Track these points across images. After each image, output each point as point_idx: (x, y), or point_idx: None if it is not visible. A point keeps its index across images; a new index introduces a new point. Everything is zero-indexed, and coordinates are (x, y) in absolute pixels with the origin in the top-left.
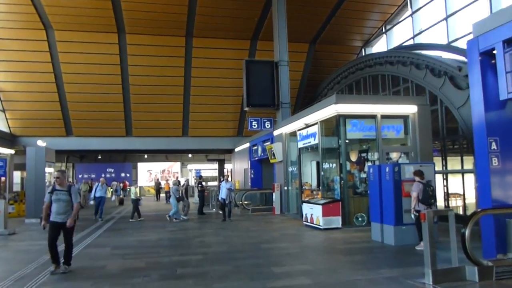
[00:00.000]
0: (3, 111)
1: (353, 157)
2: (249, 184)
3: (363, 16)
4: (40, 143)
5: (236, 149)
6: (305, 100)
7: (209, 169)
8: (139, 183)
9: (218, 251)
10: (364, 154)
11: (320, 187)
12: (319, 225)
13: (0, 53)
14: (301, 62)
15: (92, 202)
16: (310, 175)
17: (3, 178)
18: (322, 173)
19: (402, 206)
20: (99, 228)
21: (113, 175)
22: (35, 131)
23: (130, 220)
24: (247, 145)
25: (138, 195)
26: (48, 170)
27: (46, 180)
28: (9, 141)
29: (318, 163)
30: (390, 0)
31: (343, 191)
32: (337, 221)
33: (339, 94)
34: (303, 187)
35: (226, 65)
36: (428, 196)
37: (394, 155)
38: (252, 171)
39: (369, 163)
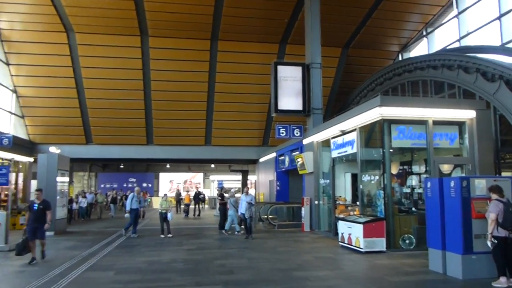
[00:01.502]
0: (22, 117)
1: (393, 169)
2: (275, 197)
3: (401, 18)
4: (53, 149)
5: (261, 159)
6: (336, 109)
7: (232, 180)
8: (161, 193)
9: (242, 279)
10: (405, 166)
11: (357, 203)
12: (359, 247)
13: (20, 56)
14: (332, 67)
15: (127, 215)
16: (344, 188)
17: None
18: (360, 186)
19: (472, 230)
20: (110, 244)
21: (134, 185)
22: (54, 138)
23: (161, 236)
24: (273, 155)
25: (167, 207)
26: (61, 179)
27: (58, 190)
28: (28, 149)
29: (353, 176)
30: (432, 0)
31: (387, 208)
32: (381, 243)
33: (383, 95)
34: (337, 202)
35: (253, 70)
36: (510, 218)
37: (445, 168)
38: (278, 183)
39: (413, 177)
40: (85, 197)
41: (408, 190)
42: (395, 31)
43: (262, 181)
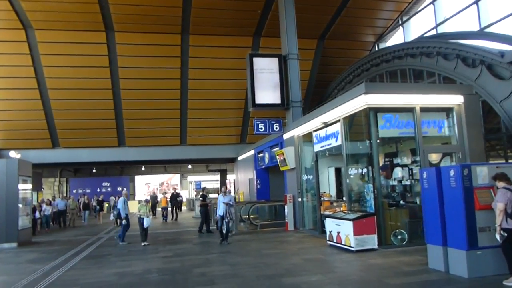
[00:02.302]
0: None
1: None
2: (255, 195)
3: (376, 7)
4: (13, 154)
5: (240, 158)
6: (314, 103)
7: (210, 181)
8: (137, 197)
9: None
10: (390, 158)
11: (343, 198)
12: (349, 246)
13: None
14: (308, 60)
15: (125, 222)
16: (327, 184)
17: None
18: (347, 180)
19: (476, 223)
20: (78, 254)
21: (109, 189)
22: (18, 143)
23: (143, 244)
24: (252, 152)
25: (145, 212)
26: (23, 186)
27: (20, 197)
28: None
29: (337, 170)
30: None
31: (377, 203)
32: (372, 241)
33: (368, 82)
34: (321, 198)
35: (227, 65)
36: None
37: (433, 157)
38: (258, 181)
39: (399, 168)
40: (50, 204)
41: (395, 183)
42: (370, 21)
43: (241, 180)
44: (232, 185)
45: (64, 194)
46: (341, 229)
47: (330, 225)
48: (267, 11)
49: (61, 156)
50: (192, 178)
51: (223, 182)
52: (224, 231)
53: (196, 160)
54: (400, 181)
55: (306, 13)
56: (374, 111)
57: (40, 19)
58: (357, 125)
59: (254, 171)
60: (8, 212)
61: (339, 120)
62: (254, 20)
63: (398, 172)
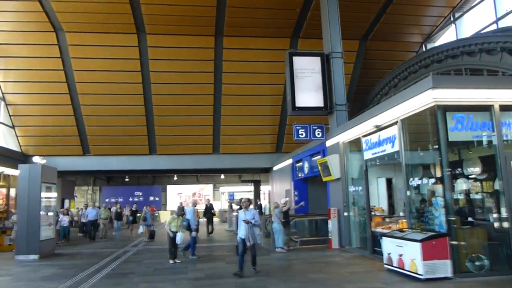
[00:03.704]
0: (13, 127)
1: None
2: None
3: (425, 3)
4: (37, 159)
5: (275, 167)
6: (354, 109)
7: (244, 192)
8: (169, 208)
9: None
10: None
11: (400, 213)
12: (416, 273)
13: (7, 60)
14: (350, 63)
15: (194, 234)
16: (376, 196)
17: None
18: (408, 193)
19: None
20: (99, 271)
21: (141, 199)
22: (48, 149)
23: (170, 261)
24: (289, 161)
25: (176, 226)
26: (47, 194)
27: (43, 206)
28: (20, 161)
29: (389, 181)
30: None
31: (448, 220)
32: (444, 267)
33: (436, 75)
34: (372, 213)
35: (263, 69)
36: None
37: None
38: (295, 193)
39: (463, 180)
40: (67, 214)
41: (461, 197)
42: (418, 19)
43: (277, 192)
44: (266, 197)
45: (96, 203)
46: (404, 251)
47: (389, 245)
48: (306, 9)
49: (92, 164)
50: (224, 189)
51: (257, 193)
52: (252, 256)
53: (229, 170)
54: (468, 195)
55: (348, 11)
56: (442, 110)
57: (70, 21)
58: (420, 127)
59: (292, 182)
60: (29, 222)
61: (396, 122)
62: (292, 19)
63: (462, 184)
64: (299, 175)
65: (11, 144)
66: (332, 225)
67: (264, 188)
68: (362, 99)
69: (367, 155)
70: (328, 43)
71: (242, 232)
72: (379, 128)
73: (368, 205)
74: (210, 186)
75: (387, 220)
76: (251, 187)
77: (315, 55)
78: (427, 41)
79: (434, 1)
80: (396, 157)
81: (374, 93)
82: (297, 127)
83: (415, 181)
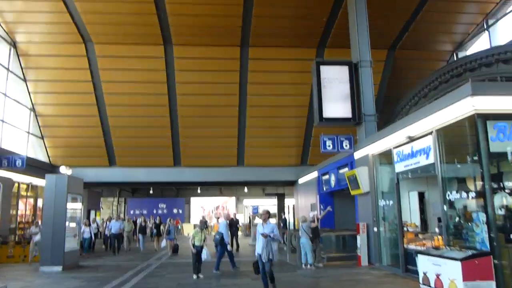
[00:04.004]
0: (42, 138)
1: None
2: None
3: (456, 10)
4: (64, 170)
5: (300, 180)
6: (382, 120)
7: (268, 205)
8: (192, 220)
9: None
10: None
11: (439, 230)
12: None
13: (37, 72)
14: (377, 72)
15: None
16: (408, 211)
17: None
18: (445, 208)
19: None
20: (122, 284)
21: (165, 211)
22: (76, 160)
23: (194, 277)
24: (315, 174)
25: (200, 240)
26: (73, 205)
27: (69, 216)
28: (48, 172)
29: (421, 195)
30: None
31: (492, 238)
32: None
33: (476, 82)
34: (405, 228)
35: (288, 79)
36: None
37: None
38: (321, 207)
39: (502, 194)
40: (89, 225)
41: (501, 212)
42: (449, 27)
43: (302, 205)
44: (290, 211)
45: (121, 215)
46: (442, 270)
47: (425, 264)
48: (332, 19)
49: (117, 175)
50: (248, 202)
51: (281, 207)
52: (268, 275)
53: (253, 183)
54: (510, 211)
55: (376, 19)
56: (482, 119)
57: (99, 33)
58: (458, 138)
59: (317, 195)
60: (54, 233)
61: (431, 133)
62: (319, 29)
63: (503, 199)
64: (325, 188)
65: (40, 154)
66: (361, 241)
67: (289, 202)
68: (390, 110)
69: (399, 167)
70: (356, 52)
71: (259, 246)
72: (412, 139)
73: (400, 220)
74: (233, 199)
75: (420, 236)
76: (274, 201)
77: (343, 64)
78: (459, 49)
79: (466, 8)
80: (430, 170)
81: (403, 103)
82: (324, 139)
83: (452, 195)
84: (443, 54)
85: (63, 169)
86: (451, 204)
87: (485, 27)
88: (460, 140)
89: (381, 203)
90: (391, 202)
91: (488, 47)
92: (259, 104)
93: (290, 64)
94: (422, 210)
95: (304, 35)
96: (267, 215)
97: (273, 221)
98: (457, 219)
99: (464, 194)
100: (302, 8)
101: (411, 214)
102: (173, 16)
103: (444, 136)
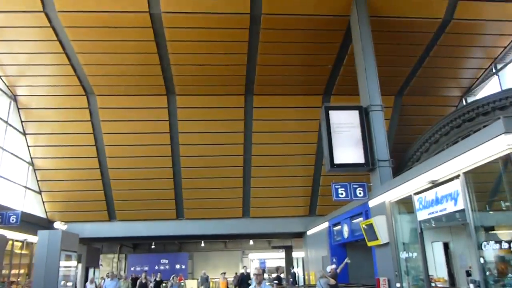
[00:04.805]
0: (40, 193)
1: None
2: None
3: (463, 54)
4: (58, 225)
5: (309, 232)
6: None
7: (274, 258)
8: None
9: None
10: None
11: (473, 285)
12: None
13: (38, 125)
14: (386, 119)
15: None
16: (433, 264)
17: None
18: (481, 260)
19: None
20: None
21: (167, 266)
22: (74, 215)
23: None
24: (325, 225)
25: None
26: (66, 263)
27: (61, 275)
28: (45, 228)
29: (445, 245)
30: (502, 28)
31: None
32: None
33: (508, 117)
34: (433, 284)
35: (294, 127)
36: None
37: None
38: (334, 260)
39: None
40: (93, 282)
41: None
42: (456, 72)
43: (312, 258)
44: (299, 264)
45: (122, 272)
46: None
47: None
48: (338, 65)
49: (118, 230)
50: (254, 256)
51: (288, 261)
52: None
53: (259, 235)
54: None
55: (382, 65)
56: None
57: (101, 84)
58: (489, 180)
59: (328, 247)
60: None
61: (458, 176)
62: (324, 76)
63: None
64: (337, 239)
65: (37, 210)
66: None
67: (297, 255)
68: (399, 157)
69: (422, 215)
70: (366, 96)
71: None
72: (435, 184)
73: (426, 275)
74: (239, 253)
75: None
76: (281, 254)
77: (353, 109)
78: (467, 94)
79: (473, 53)
80: (457, 217)
81: (413, 150)
82: (336, 186)
83: (490, 245)
84: (452, 99)
85: (57, 225)
86: (488, 255)
87: (493, 71)
88: (489, 184)
89: (403, 255)
90: (414, 254)
91: (499, 90)
92: (264, 153)
93: (295, 112)
94: (447, 263)
95: (310, 83)
96: (261, 276)
97: (273, 278)
98: (495, 272)
99: (505, 245)
100: (306, 55)
101: (436, 267)
102: (176, 66)
103: (473, 179)
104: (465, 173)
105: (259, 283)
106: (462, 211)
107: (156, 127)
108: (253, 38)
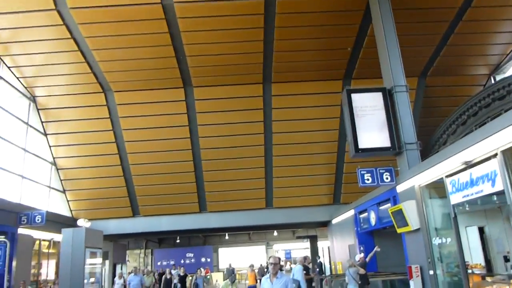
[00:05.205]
0: (64, 191)
1: None
2: None
3: (490, 29)
4: (82, 222)
5: (334, 221)
6: None
7: (300, 249)
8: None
9: None
10: None
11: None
12: None
13: (58, 124)
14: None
15: None
16: (468, 250)
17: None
18: None
19: None
20: None
21: (192, 260)
22: (99, 212)
23: None
24: (351, 212)
25: None
26: (92, 260)
27: (87, 272)
28: (71, 227)
29: (480, 230)
30: None
31: None
32: None
33: None
34: (469, 271)
35: (314, 114)
36: None
37: None
38: (361, 248)
39: None
40: (121, 277)
41: None
42: (484, 48)
43: (338, 247)
44: (326, 254)
45: (149, 267)
46: None
47: None
48: (358, 48)
49: (142, 225)
50: (278, 246)
51: (314, 251)
52: None
53: (283, 225)
54: None
55: (404, 47)
56: None
57: (118, 80)
58: None
59: (355, 236)
60: None
61: (495, 155)
62: (344, 60)
63: None
64: (364, 227)
65: (63, 209)
66: (415, 286)
67: (322, 244)
68: (424, 141)
69: (455, 198)
70: (389, 77)
71: None
72: (470, 165)
73: (463, 261)
74: (263, 244)
75: (488, 279)
76: (306, 244)
77: (376, 91)
78: (496, 72)
79: (501, 27)
80: (495, 200)
81: (439, 133)
82: (362, 172)
83: None
84: (479, 78)
85: (80, 222)
86: None
87: None
88: None
89: (436, 241)
90: (447, 239)
91: None
92: (285, 142)
93: (315, 99)
94: (483, 248)
95: (329, 67)
96: (277, 266)
97: (290, 270)
98: None
99: None
100: (324, 39)
101: (472, 253)
102: (191, 57)
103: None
104: (503, 151)
105: (275, 273)
106: (501, 192)
107: (175, 120)
108: (268, 24)
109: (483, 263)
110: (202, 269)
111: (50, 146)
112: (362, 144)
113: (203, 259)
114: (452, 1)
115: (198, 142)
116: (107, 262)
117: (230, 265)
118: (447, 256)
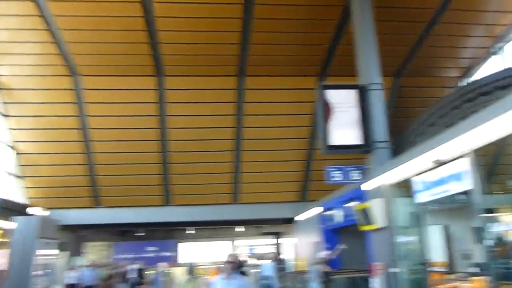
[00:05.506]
0: (22, 177)
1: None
2: None
3: (463, 33)
4: (36, 211)
5: (300, 218)
6: None
7: (265, 245)
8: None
9: None
10: None
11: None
12: None
13: (20, 107)
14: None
15: None
16: (431, 248)
17: None
18: (487, 243)
19: None
20: None
21: (154, 254)
22: (58, 202)
23: None
24: (318, 210)
25: None
26: (44, 251)
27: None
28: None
29: (446, 228)
30: (504, 5)
31: None
32: None
33: None
34: (431, 268)
35: (287, 110)
36: None
37: None
38: (327, 246)
39: None
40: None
41: None
42: (456, 51)
43: (303, 244)
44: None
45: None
46: None
47: None
48: (335, 44)
49: (104, 217)
50: (242, 243)
51: (279, 246)
52: None
53: (249, 221)
54: None
55: (381, 44)
56: None
57: (87, 64)
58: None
59: (320, 233)
60: (21, 284)
61: (467, 154)
62: (320, 56)
63: None
64: (329, 224)
65: (19, 196)
66: (377, 284)
67: (288, 241)
68: (395, 141)
69: (423, 197)
70: (364, 75)
71: None
72: (439, 164)
73: (425, 259)
74: (229, 241)
75: (449, 277)
76: (273, 240)
77: (351, 88)
78: (466, 75)
79: (473, 31)
80: (462, 199)
81: (408, 133)
82: (330, 169)
83: (499, 227)
84: (449, 80)
85: (36, 210)
86: (494, 237)
87: (493, 51)
88: (504, 161)
89: (400, 239)
90: (412, 238)
91: (500, 69)
92: (255, 137)
93: (289, 94)
94: (446, 247)
95: (305, 63)
96: (233, 264)
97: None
98: (498, 255)
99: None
100: (302, 34)
101: (435, 251)
102: (165, 45)
103: (483, 157)
104: (475, 150)
105: (230, 272)
106: (468, 192)
107: (144, 109)
108: (247, 14)
109: (446, 261)
110: (163, 264)
111: (10, 129)
112: (333, 141)
113: (165, 254)
114: (431, 2)
115: (166, 133)
116: (65, 254)
117: (191, 263)
118: (411, 254)
